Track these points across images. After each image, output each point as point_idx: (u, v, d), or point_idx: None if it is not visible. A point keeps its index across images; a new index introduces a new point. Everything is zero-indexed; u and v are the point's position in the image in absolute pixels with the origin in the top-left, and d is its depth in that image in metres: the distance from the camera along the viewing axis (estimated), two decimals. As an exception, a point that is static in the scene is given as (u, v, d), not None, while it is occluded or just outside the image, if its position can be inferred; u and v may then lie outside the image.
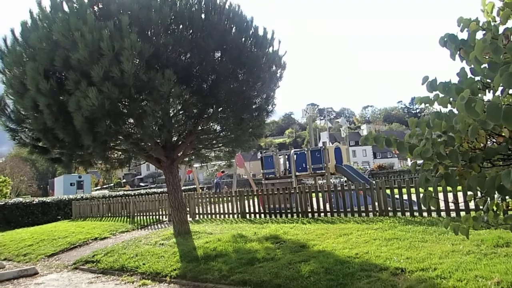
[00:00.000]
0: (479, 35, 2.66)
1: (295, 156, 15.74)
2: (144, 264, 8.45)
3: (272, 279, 6.18)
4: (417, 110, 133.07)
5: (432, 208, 8.92)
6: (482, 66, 2.26)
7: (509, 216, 2.86)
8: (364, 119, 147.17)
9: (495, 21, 2.84)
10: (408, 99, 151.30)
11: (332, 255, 6.84)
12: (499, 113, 1.70)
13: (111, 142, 8.94)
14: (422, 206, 9.01)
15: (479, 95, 2.56)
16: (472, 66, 2.44)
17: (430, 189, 2.98)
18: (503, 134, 2.54)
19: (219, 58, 9.10)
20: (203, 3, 8.68)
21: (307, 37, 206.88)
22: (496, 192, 2.39)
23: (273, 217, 12.01)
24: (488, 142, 2.70)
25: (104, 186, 75.01)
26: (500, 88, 2.15)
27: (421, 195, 3.11)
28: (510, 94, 2.21)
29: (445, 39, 2.72)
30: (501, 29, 2.66)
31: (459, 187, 2.65)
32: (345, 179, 16.33)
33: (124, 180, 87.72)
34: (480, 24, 2.78)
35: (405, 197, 9.69)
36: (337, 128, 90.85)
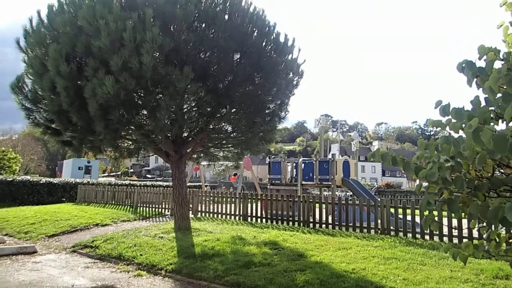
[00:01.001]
0: (498, 64, 2.66)
1: (303, 164, 15.73)
2: (141, 255, 8.50)
3: (266, 285, 6.18)
4: (431, 132, 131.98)
5: (435, 232, 8.86)
6: (497, 96, 2.26)
7: (511, 248, 2.84)
8: (377, 135, 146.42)
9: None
10: (423, 120, 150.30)
11: (329, 267, 6.82)
12: (505, 144, 1.71)
13: (122, 131, 9.03)
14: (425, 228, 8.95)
15: (492, 124, 2.57)
16: (487, 95, 2.45)
17: (435, 212, 2.97)
18: (511, 165, 2.53)
19: (238, 60, 9.15)
20: (228, 4, 8.75)
21: (314, 39, 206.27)
22: (498, 223, 2.38)
23: (274, 223, 12.01)
24: (496, 172, 2.69)
25: (112, 174, 75.53)
26: (513, 120, 2.15)
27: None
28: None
29: (463, 65, 2.72)
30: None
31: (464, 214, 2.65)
32: (351, 193, 16.26)
33: (132, 170, 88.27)
34: (501, 54, 2.78)
35: (409, 218, 9.62)
36: (349, 141, 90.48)
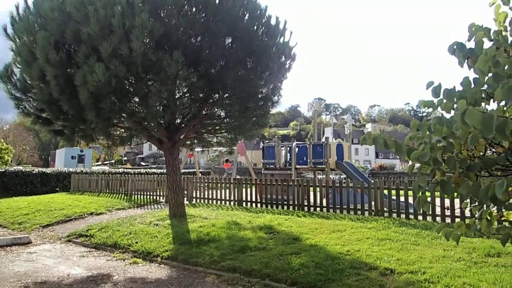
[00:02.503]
0: (489, 44, 2.66)
1: (296, 149, 15.75)
2: (137, 242, 8.51)
3: (262, 269, 6.23)
4: (424, 114, 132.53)
5: (428, 212, 8.95)
6: (486, 78, 2.26)
7: (502, 226, 2.86)
8: (370, 118, 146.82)
9: (507, 31, 2.82)
10: (415, 101, 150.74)
11: (324, 250, 6.88)
12: (492, 125, 1.71)
13: (114, 119, 8.96)
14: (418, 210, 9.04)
15: (483, 104, 2.57)
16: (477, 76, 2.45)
17: (428, 193, 2.99)
18: (503, 145, 2.54)
19: (230, 44, 9.05)
20: (218, -13, 8.61)
21: (315, 26, 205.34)
22: (489, 202, 2.39)
23: (269, 207, 12.06)
24: (488, 152, 2.70)
25: (105, 162, 75.30)
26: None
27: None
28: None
29: (454, 47, 2.72)
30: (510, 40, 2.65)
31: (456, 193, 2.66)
32: (345, 176, 16.34)
33: (125, 158, 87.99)
34: (491, 33, 2.77)
35: (402, 199, 9.70)
36: (342, 124, 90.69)
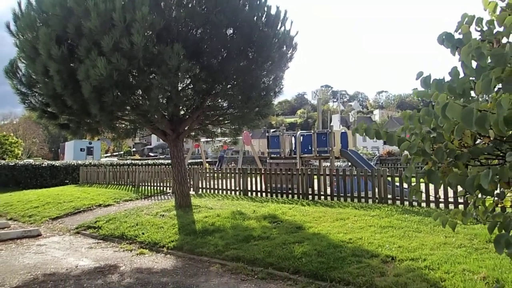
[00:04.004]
0: (477, 35, 2.67)
1: (301, 137, 15.77)
2: (143, 233, 8.66)
3: (265, 258, 6.33)
4: (432, 100, 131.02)
5: (431, 199, 8.98)
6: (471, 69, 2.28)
7: (498, 213, 2.90)
8: (378, 104, 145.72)
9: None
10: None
11: (326, 238, 6.96)
12: (472, 119, 1.75)
13: (118, 112, 9.04)
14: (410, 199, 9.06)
15: (472, 94, 2.59)
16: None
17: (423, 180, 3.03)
18: (490, 135, 2.57)
19: (231, 35, 9.06)
20: (217, -22, 8.59)
21: (315, 20, 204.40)
22: (476, 191, 2.44)
23: (274, 196, 12.15)
24: (479, 140, 2.73)
25: (114, 154, 75.87)
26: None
27: (422, 186, 3.16)
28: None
29: (443, 37, 2.74)
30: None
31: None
32: (350, 163, 16.35)
33: (134, 149, 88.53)
34: (484, 23, 2.78)
35: (405, 186, 9.72)
36: (350, 111, 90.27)
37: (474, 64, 2.29)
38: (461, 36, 2.68)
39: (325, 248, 6.35)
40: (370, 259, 5.79)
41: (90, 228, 9.90)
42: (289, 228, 7.83)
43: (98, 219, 10.38)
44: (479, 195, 2.88)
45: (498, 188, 2.59)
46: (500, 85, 1.98)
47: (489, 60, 2.15)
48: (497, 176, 2.30)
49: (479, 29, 2.71)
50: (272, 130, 22.14)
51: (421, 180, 3.17)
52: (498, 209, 3.00)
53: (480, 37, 2.69)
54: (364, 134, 3.02)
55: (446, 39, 2.70)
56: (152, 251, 7.78)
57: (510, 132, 2.59)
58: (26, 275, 6.45)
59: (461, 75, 2.60)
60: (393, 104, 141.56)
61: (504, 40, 2.48)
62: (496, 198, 2.96)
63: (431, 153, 2.63)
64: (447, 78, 2.63)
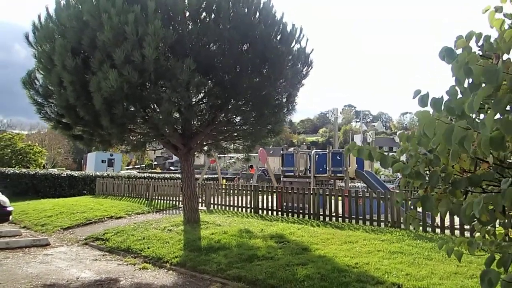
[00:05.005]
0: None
1: (316, 156, 15.55)
2: (148, 247, 8.56)
3: (267, 279, 6.13)
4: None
5: (446, 224, 8.63)
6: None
7: (506, 244, 2.68)
8: (402, 125, 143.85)
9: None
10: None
11: (332, 261, 6.71)
12: (452, 137, 1.60)
13: (128, 124, 9.07)
14: (438, 221, 8.73)
15: (473, 115, 2.42)
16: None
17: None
18: (487, 160, 2.38)
19: (244, 51, 9.03)
20: (232, -6, 8.62)
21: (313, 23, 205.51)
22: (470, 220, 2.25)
23: (285, 215, 11.92)
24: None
25: (136, 167, 76.75)
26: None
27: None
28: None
29: (444, 53, 2.58)
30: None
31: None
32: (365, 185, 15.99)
33: (156, 163, 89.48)
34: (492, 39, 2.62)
35: (420, 209, 9.38)
36: (373, 131, 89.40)
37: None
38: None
39: (329, 272, 6.11)
40: (375, 286, 5.53)
41: (98, 240, 9.87)
42: (295, 249, 7.60)
43: (107, 231, 10.35)
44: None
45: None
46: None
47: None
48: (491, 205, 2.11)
49: (480, 44, 2.56)
50: (292, 148, 22.00)
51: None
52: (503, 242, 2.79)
53: (480, 52, 2.54)
54: (357, 154, 2.87)
55: (446, 55, 2.54)
56: (155, 266, 7.66)
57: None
58: (26, 285, 6.41)
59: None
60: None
61: (505, 57, 2.31)
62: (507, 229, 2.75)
63: (425, 175, 2.46)
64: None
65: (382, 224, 9.74)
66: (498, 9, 2.64)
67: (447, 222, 8.72)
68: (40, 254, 8.72)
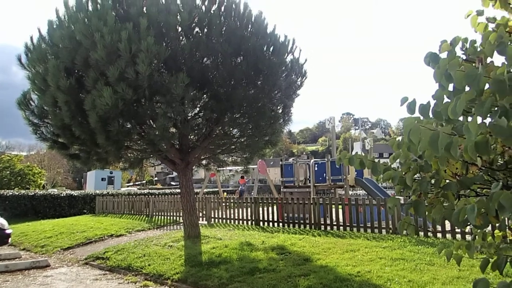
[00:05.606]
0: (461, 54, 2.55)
1: (315, 166, 15.52)
2: (149, 265, 8.49)
3: (268, 292, 6.07)
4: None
5: (448, 229, 8.58)
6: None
7: (504, 247, 2.67)
8: (400, 131, 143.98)
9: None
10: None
11: (334, 271, 6.66)
12: (438, 143, 1.60)
13: (125, 141, 9.07)
14: (439, 226, 8.68)
15: (461, 119, 2.42)
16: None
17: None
18: (477, 164, 2.37)
19: (237, 64, 9.08)
20: (223, 8, 8.70)
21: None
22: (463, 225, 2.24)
23: (286, 226, 11.86)
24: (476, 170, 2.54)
25: (136, 183, 76.61)
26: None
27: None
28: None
29: (428, 58, 2.60)
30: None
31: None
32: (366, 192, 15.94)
33: (156, 178, 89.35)
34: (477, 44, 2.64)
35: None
36: (372, 138, 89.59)
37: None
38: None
39: (331, 282, 6.05)
40: (377, 294, 5.47)
41: (98, 259, 9.79)
42: (297, 260, 7.54)
43: (107, 250, 10.27)
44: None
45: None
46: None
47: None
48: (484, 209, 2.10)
49: (464, 48, 2.58)
50: (292, 159, 21.98)
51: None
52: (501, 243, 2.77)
53: (464, 56, 2.56)
54: (348, 163, 2.86)
55: (431, 60, 2.55)
56: (156, 283, 7.59)
57: (504, 159, 2.40)
58: (26, 308, 6.35)
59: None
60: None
61: (488, 60, 2.32)
62: (504, 231, 2.74)
63: (412, 184, 2.47)
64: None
65: (384, 231, 9.68)
66: (480, 13, 2.67)
67: (447, 227, 8.67)
68: (39, 276, 8.64)
